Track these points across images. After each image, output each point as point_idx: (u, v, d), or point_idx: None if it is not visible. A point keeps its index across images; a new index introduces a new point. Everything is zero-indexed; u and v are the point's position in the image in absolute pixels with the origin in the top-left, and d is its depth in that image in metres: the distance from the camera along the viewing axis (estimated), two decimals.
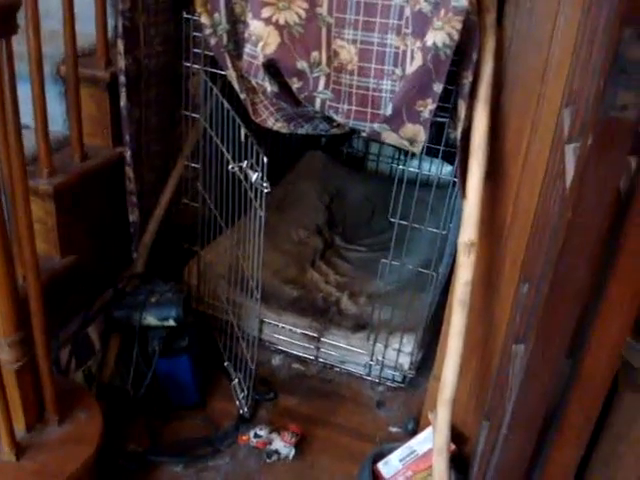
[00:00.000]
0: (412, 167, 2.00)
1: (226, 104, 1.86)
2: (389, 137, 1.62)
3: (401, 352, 2.17)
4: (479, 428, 1.66)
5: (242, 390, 2.00)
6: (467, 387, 1.76)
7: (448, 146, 1.80)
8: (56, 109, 2.02)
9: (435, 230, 1.97)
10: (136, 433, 1.91)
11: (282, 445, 1.90)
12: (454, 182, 1.83)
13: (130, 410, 1.93)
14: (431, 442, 1.70)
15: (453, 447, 1.73)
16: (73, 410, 1.67)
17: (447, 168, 2.16)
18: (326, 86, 1.61)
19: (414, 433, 1.91)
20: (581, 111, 1.02)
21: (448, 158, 1.90)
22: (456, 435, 1.77)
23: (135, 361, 1.90)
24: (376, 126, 1.61)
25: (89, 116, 2.00)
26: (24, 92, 1.63)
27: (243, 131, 1.73)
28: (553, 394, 1.01)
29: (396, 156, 3.43)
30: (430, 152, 1.88)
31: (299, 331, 2.28)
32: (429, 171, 2.07)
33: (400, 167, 1.98)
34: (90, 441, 1.61)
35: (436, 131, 1.81)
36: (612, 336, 0.89)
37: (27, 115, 1.72)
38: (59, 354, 1.83)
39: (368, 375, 2.25)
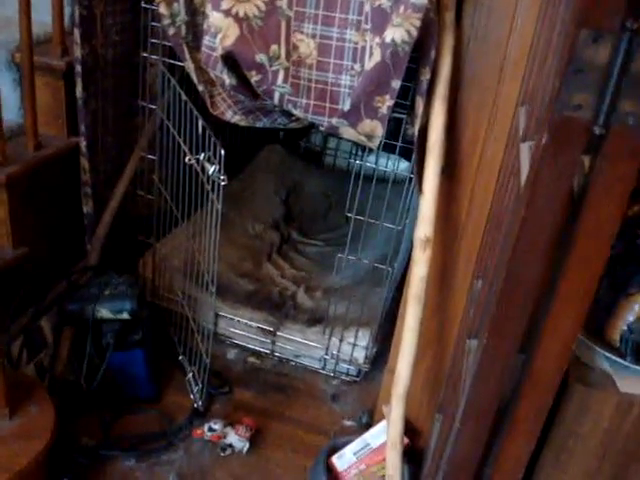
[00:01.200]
0: (369, 162, 2.01)
1: (184, 96, 1.85)
2: (347, 132, 1.62)
3: (356, 346, 2.18)
4: (432, 422, 1.68)
5: (197, 384, 1.99)
6: (421, 381, 1.77)
7: (405, 142, 1.81)
8: (10, 97, 1.99)
9: (391, 226, 1.99)
10: (89, 427, 1.89)
11: (236, 439, 1.89)
12: (410, 178, 1.84)
13: (83, 404, 1.91)
14: (385, 435, 1.71)
15: (407, 441, 1.75)
16: (24, 404, 1.64)
17: (404, 164, 2.17)
18: (285, 80, 1.61)
19: (368, 427, 1.92)
20: (536, 110, 1.03)
21: (405, 154, 1.92)
22: (410, 429, 1.79)
23: (88, 354, 1.87)
24: (334, 121, 1.61)
25: (44, 105, 1.98)
26: None
27: (200, 123, 1.72)
28: (505, 388, 1.03)
29: (354, 151, 3.45)
30: (387, 148, 1.89)
31: (255, 325, 2.27)
32: (386, 167, 2.08)
33: (357, 162, 1.98)
34: (42, 435, 1.59)
35: (394, 127, 1.82)
36: (563, 332, 0.91)
37: None
38: (10, 347, 1.80)
39: (323, 369, 2.26)
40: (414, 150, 1.59)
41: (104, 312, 1.89)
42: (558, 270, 0.87)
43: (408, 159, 1.94)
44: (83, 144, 2.03)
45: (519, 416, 1.01)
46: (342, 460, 1.78)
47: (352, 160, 3.43)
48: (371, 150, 1.73)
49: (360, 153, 3.32)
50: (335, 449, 1.81)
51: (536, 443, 1.03)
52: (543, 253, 0.88)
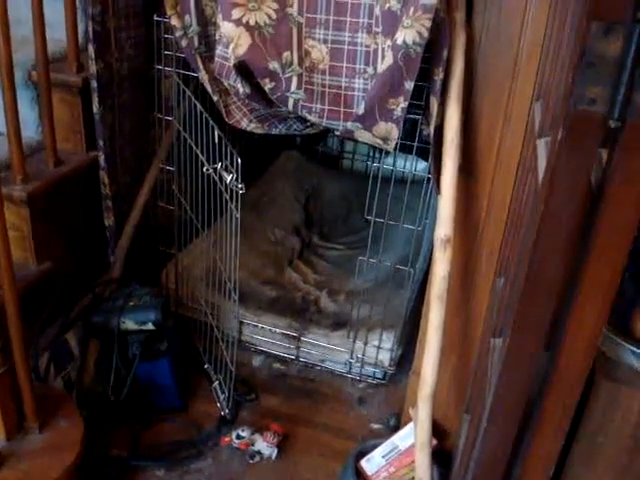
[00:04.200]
0: (387, 164, 2.00)
1: (199, 106, 1.86)
2: (362, 136, 1.63)
3: (381, 349, 2.17)
4: (460, 422, 1.68)
5: (223, 392, 2.00)
6: (447, 381, 1.77)
7: (422, 142, 1.81)
8: (28, 114, 2.01)
9: (411, 227, 1.98)
10: (118, 438, 1.90)
11: (264, 445, 1.90)
12: (429, 178, 1.84)
13: (111, 415, 1.92)
14: (413, 437, 1.71)
15: (435, 442, 1.74)
16: (54, 417, 1.66)
17: (421, 164, 2.17)
18: (298, 86, 1.61)
19: (396, 429, 1.92)
20: (551, 105, 1.03)
21: (422, 154, 1.91)
22: (437, 430, 1.78)
23: (115, 366, 1.89)
24: (349, 125, 1.61)
25: (62, 121, 1.99)
26: None
27: (217, 133, 1.73)
28: (531, 386, 1.02)
29: (371, 154, 3.45)
30: (404, 149, 1.88)
31: (279, 331, 2.28)
32: (404, 168, 2.08)
33: (375, 165, 1.97)
34: (72, 448, 1.60)
35: (409, 128, 1.82)
36: (588, 327, 0.90)
37: None
38: (38, 361, 1.82)
39: (349, 373, 2.25)
40: (430, 150, 1.59)
41: (129, 323, 1.90)
42: (580, 265, 0.86)
43: (426, 159, 1.94)
44: (102, 158, 2.04)
45: (546, 414, 1.00)
46: (371, 463, 1.78)
47: (370, 163, 3.43)
48: (388, 152, 1.73)
49: (377, 155, 3.32)
50: (364, 453, 1.81)
51: (565, 440, 1.02)
52: (564, 248, 0.88)
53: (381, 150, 1.82)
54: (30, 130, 2.02)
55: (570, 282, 0.89)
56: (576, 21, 0.84)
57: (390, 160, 2.14)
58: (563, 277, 0.90)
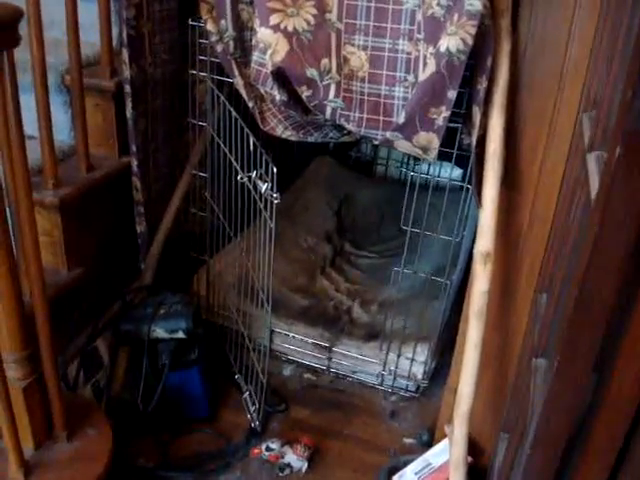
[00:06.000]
0: (422, 173, 1.96)
1: (233, 112, 1.83)
2: (402, 145, 1.58)
3: (414, 361, 2.13)
4: (497, 440, 1.63)
5: (253, 402, 1.97)
6: (483, 398, 1.72)
7: (459, 149, 1.76)
8: (61, 119, 2.00)
9: (448, 238, 1.94)
10: (146, 448, 1.88)
11: (295, 458, 1.86)
12: (465, 187, 1.80)
13: (140, 424, 1.90)
14: (447, 455, 1.67)
15: (470, 459, 1.70)
16: (82, 426, 1.65)
17: (457, 171, 2.12)
18: (337, 94, 1.58)
19: (429, 445, 1.88)
20: (603, 118, 0.98)
21: (458, 161, 1.87)
22: (472, 447, 1.74)
23: (144, 374, 1.87)
24: (388, 134, 1.57)
25: (95, 126, 1.98)
26: (29, 102, 1.61)
27: (252, 140, 1.70)
28: (578, 413, 0.97)
29: (405, 160, 3.41)
30: (440, 156, 1.84)
31: (310, 341, 2.24)
32: (439, 175, 2.03)
33: (411, 173, 1.93)
34: (99, 458, 1.59)
35: (446, 135, 1.77)
36: None
37: (32, 125, 1.70)
38: (67, 369, 1.80)
39: (381, 385, 2.21)
40: (471, 161, 1.55)
41: (159, 332, 1.88)
42: (634, 286, 0.81)
43: (461, 166, 1.89)
44: (134, 163, 2.02)
45: (593, 442, 0.95)
46: None
47: (404, 169, 3.39)
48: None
49: (412, 162, 3.28)
50: (396, 468, 1.78)
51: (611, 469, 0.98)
52: (618, 270, 0.83)
53: (416, 157, 1.78)
54: (63, 134, 2.01)
55: (623, 302, 0.85)
56: (635, 31, 0.79)
57: (424, 167, 2.10)
58: (616, 299, 0.86)
